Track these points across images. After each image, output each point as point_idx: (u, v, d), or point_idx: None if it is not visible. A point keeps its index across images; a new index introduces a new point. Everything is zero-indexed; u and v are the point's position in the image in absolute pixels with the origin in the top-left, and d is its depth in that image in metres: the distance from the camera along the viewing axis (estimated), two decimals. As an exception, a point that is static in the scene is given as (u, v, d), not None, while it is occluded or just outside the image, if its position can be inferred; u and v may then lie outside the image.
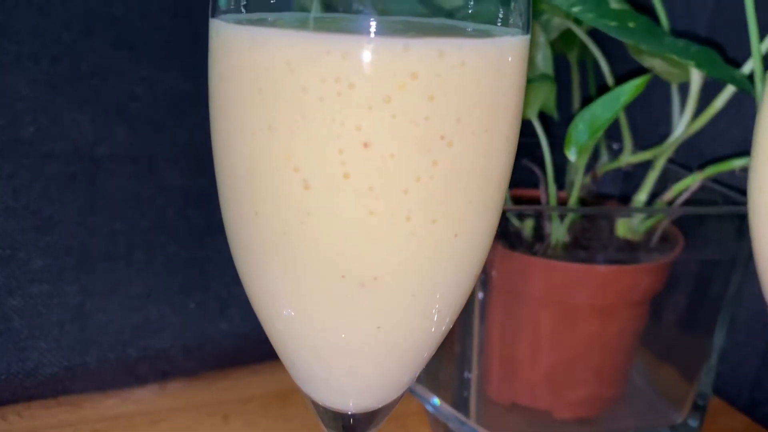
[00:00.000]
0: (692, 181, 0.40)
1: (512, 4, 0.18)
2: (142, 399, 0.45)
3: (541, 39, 0.41)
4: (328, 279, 0.17)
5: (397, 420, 0.44)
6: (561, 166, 0.48)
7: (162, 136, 0.46)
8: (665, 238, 0.41)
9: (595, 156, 0.48)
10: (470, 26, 0.18)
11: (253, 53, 0.15)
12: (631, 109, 0.46)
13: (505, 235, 0.40)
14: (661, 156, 0.42)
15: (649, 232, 0.42)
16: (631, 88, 0.35)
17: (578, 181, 0.45)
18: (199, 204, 0.46)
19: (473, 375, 0.38)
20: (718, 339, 0.40)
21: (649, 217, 0.42)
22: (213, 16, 0.17)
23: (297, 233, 0.16)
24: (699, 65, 0.34)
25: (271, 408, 0.44)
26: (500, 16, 0.17)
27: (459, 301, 0.19)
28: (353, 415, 0.22)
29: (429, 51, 0.15)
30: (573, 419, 0.41)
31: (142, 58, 0.46)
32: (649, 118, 0.51)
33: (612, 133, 0.46)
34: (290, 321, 0.18)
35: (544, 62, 0.42)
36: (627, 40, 0.35)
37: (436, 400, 0.39)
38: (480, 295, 0.37)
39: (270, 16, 0.17)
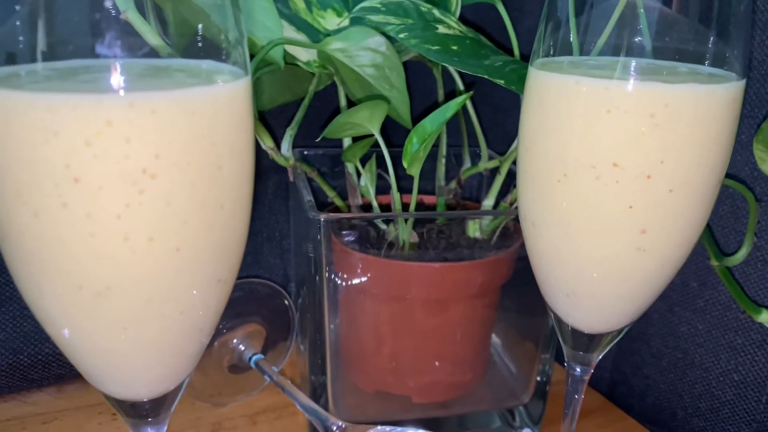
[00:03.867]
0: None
1: (228, 53, 0.22)
2: (38, 401, 0.48)
3: (394, 61, 0.44)
4: (69, 290, 0.20)
5: (278, 411, 0.48)
6: (431, 172, 0.52)
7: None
8: (508, 236, 0.45)
9: (459, 162, 0.52)
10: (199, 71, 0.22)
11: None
12: (489, 119, 0.51)
13: (359, 238, 0.43)
14: (505, 162, 0.46)
15: (496, 229, 0.46)
16: (454, 104, 0.39)
17: (438, 186, 0.49)
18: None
19: (327, 367, 0.42)
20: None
21: (495, 218, 0.45)
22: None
23: (38, 255, 0.20)
24: (507, 83, 0.38)
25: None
26: (204, 69, 0.21)
27: (202, 303, 0.23)
28: (143, 402, 0.25)
29: (120, 101, 0.18)
30: (430, 403, 0.45)
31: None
32: (505, 127, 0.55)
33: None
34: (55, 328, 0.22)
35: (398, 79, 0.45)
36: (446, 63, 0.39)
37: (300, 395, 0.43)
38: (325, 290, 0.40)
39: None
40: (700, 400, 0.50)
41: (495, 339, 0.48)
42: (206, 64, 0.22)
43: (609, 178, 0.26)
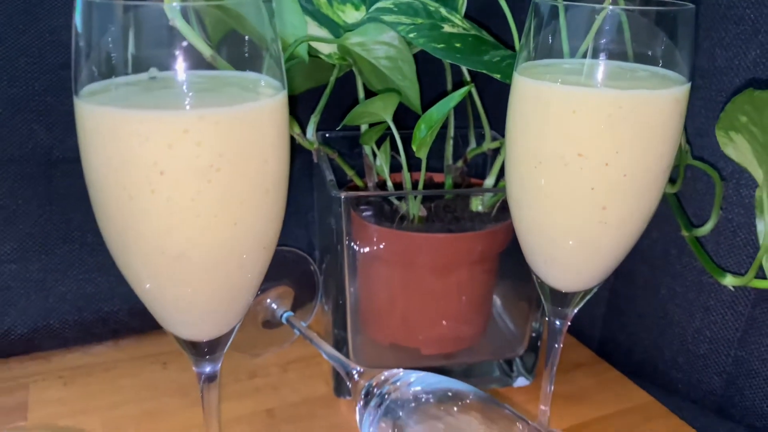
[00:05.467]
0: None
1: (268, 66, 0.28)
2: (99, 353, 0.56)
3: (406, 54, 0.50)
4: (154, 254, 0.27)
5: (306, 361, 0.55)
6: (439, 152, 0.58)
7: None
8: (507, 210, 0.51)
9: (465, 143, 0.58)
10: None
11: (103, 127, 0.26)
12: (492, 103, 0.56)
13: (375, 212, 0.50)
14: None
15: (496, 204, 0.52)
16: (458, 95, 0.45)
17: (446, 165, 0.55)
18: (137, 194, 0.56)
19: (348, 324, 0.49)
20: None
21: (494, 194, 0.52)
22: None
23: (131, 227, 0.27)
24: (503, 78, 0.44)
25: (200, 356, 0.55)
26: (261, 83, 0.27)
27: (251, 265, 0.29)
28: (203, 342, 0.32)
29: (193, 115, 0.25)
30: (437, 354, 0.52)
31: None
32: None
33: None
34: (139, 283, 0.29)
35: (409, 70, 0.51)
36: (449, 60, 0.45)
37: (324, 345, 0.50)
38: (346, 258, 0.47)
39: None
40: (677, 354, 0.56)
41: (495, 300, 0.54)
42: (251, 75, 0.29)
43: (575, 166, 0.32)
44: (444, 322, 0.50)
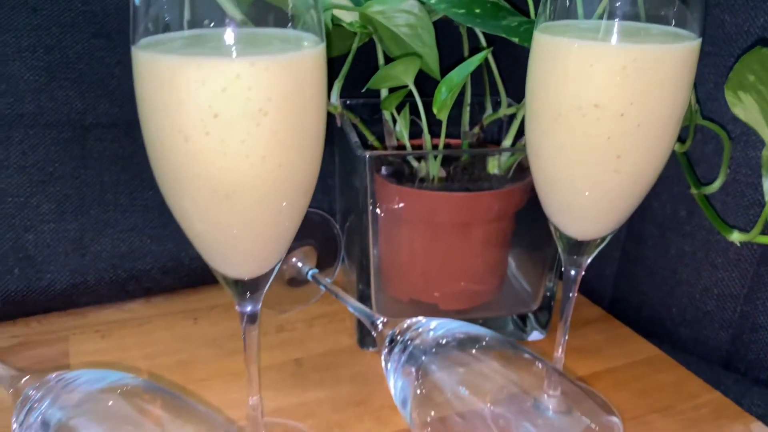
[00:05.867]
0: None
1: (306, 23, 0.31)
2: (132, 309, 0.59)
3: (426, 21, 0.52)
4: (206, 193, 0.30)
5: (330, 317, 0.58)
6: (457, 119, 0.60)
7: (135, 105, 0.58)
8: (522, 171, 0.54)
9: (481, 110, 0.60)
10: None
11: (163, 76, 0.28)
12: (508, 71, 0.58)
13: (396, 172, 0.52)
14: (521, 109, 0.54)
15: (512, 166, 0.54)
16: (477, 59, 0.48)
17: (463, 131, 0.58)
18: (167, 158, 0.59)
19: (372, 280, 0.51)
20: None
21: (512, 155, 0.54)
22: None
23: (185, 168, 0.29)
24: (521, 41, 0.46)
25: (230, 312, 0.58)
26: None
27: (291, 207, 0.32)
28: (246, 281, 0.35)
29: (245, 61, 0.27)
30: (455, 310, 0.54)
31: (117, 45, 0.58)
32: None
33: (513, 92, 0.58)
34: (190, 222, 0.31)
35: (429, 37, 0.53)
36: (469, 24, 0.47)
37: (349, 299, 0.52)
38: (370, 217, 0.49)
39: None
40: (685, 311, 0.58)
41: (511, 260, 0.57)
42: (292, 32, 0.31)
43: (592, 116, 0.34)
44: (462, 278, 0.53)
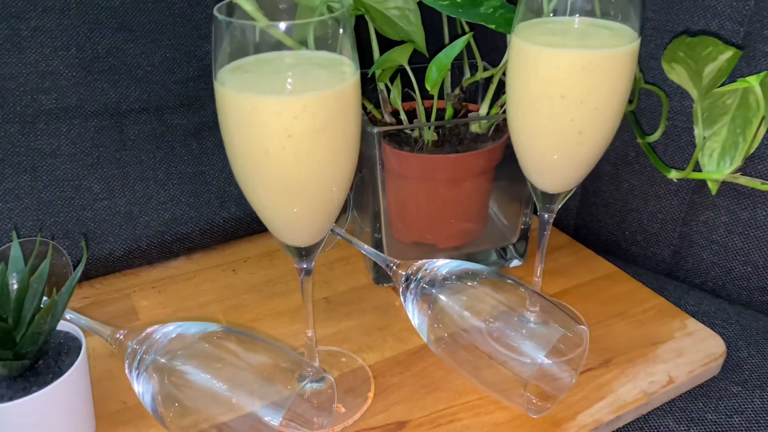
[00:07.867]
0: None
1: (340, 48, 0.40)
2: (178, 266, 0.69)
3: (412, 5, 0.61)
4: (279, 186, 0.40)
5: (345, 260, 0.69)
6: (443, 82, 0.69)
7: (162, 91, 0.67)
8: (500, 130, 0.64)
9: (461, 73, 0.70)
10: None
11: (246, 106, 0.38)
12: (484, 38, 0.67)
13: (397, 139, 0.62)
14: (497, 73, 0.64)
15: (490, 127, 0.65)
16: (461, 42, 0.57)
17: (446, 93, 0.67)
18: (196, 135, 0.68)
19: (382, 227, 0.63)
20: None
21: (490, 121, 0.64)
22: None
23: (263, 172, 0.39)
24: (497, 27, 0.56)
25: (263, 261, 0.69)
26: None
27: (340, 196, 0.42)
28: (303, 247, 0.46)
29: (308, 97, 0.37)
30: (450, 247, 0.66)
31: (138, 37, 0.65)
32: (497, 44, 0.73)
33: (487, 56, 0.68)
34: (263, 206, 0.42)
35: (415, 18, 0.62)
36: (453, 15, 0.56)
37: (365, 246, 0.63)
38: (379, 177, 0.60)
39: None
40: (636, 234, 0.71)
41: (492, 203, 0.68)
42: (335, 56, 0.40)
43: (559, 104, 0.45)
44: (455, 222, 0.64)
